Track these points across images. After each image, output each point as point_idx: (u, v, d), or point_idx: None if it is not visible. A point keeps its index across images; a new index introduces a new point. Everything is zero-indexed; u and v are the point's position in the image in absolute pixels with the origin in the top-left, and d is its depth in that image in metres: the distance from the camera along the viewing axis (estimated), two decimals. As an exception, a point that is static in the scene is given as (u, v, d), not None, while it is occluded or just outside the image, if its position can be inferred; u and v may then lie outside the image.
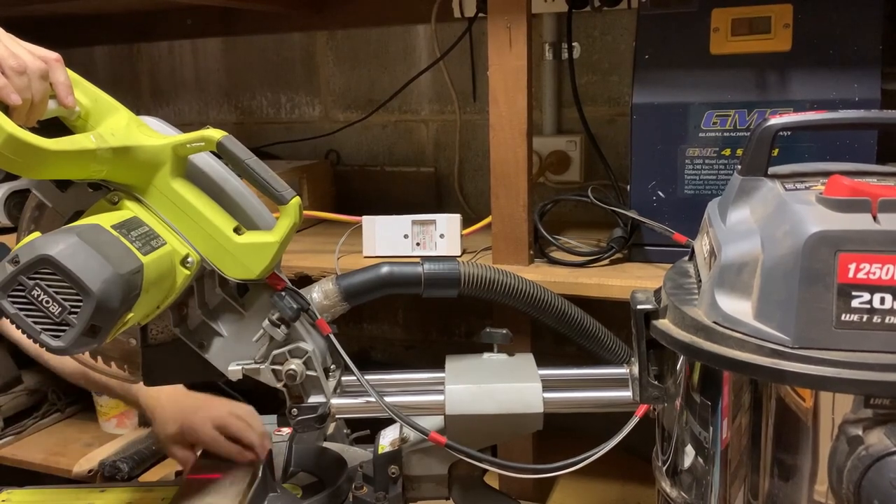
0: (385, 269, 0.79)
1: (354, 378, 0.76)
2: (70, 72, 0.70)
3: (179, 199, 0.71)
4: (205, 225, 0.71)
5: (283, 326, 0.73)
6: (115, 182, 0.71)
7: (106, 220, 0.67)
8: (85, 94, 0.71)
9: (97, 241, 0.63)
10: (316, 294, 0.79)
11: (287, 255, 1.18)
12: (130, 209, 0.70)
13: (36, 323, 0.61)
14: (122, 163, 0.69)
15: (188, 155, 0.72)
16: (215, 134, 0.70)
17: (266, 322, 0.73)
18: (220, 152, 0.71)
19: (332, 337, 0.75)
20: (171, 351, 0.79)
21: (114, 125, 0.70)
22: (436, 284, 0.79)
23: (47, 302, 0.60)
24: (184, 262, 0.71)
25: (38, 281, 0.60)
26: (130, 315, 0.64)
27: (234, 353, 0.76)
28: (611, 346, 0.86)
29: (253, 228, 0.73)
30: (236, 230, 0.72)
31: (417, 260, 0.80)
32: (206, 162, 0.74)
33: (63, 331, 0.61)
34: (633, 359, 0.69)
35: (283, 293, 0.73)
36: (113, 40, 1.76)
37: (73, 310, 0.60)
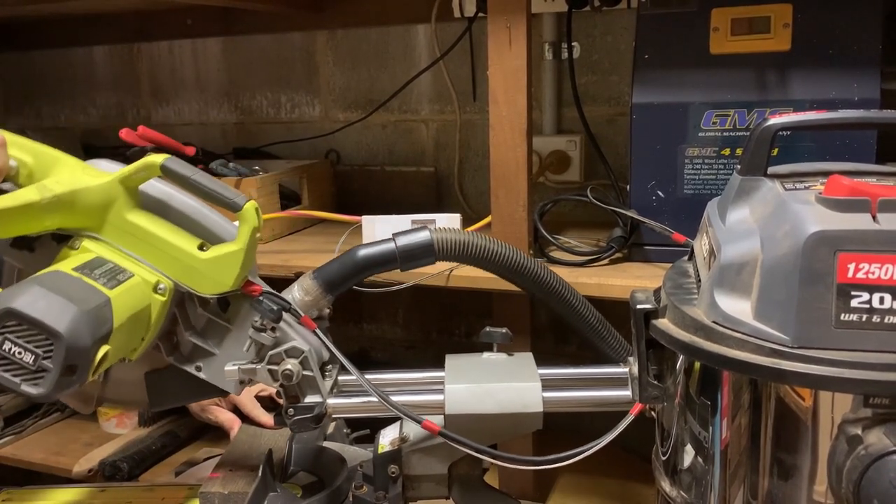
0: (360, 253, 0.79)
1: (351, 378, 0.76)
2: (6, 133, 0.71)
3: (138, 229, 0.72)
4: (168, 249, 0.71)
5: (268, 331, 0.73)
6: (73, 228, 0.71)
7: (67, 264, 0.68)
8: (24, 150, 0.71)
9: (58, 285, 0.64)
10: (297, 292, 0.79)
11: (287, 254, 1.18)
12: (92, 250, 0.71)
13: (14, 375, 0.61)
14: (73, 208, 0.70)
15: (138, 185, 0.72)
16: (157, 159, 0.71)
17: (251, 330, 0.74)
18: (166, 175, 0.71)
19: (318, 332, 0.75)
20: (170, 374, 0.79)
21: (59, 174, 0.71)
22: (412, 257, 0.78)
23: (20, 353, 0.61)
24: (156, 289, 0.71)
25: (6, 335, 0.61)
26: (107, 348, 0.64)
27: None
28: (588, 318, 0.84)
29: (220, 242, 0.73)
30: (201, 247, 0.72)
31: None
32: (157, 188, 0.74)
33: (42, 377, 0.61)
34: (632, 358, 0.69)
35: (262, 298, 0.73)
36: (113, 40, 1.76)
37: (46, 355, 0.61)
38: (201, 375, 0.77)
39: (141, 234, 0.71)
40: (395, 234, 0.78)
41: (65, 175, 0.71)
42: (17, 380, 0.61)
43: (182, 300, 0.75)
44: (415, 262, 0.79)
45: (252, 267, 0.75)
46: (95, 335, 0.63)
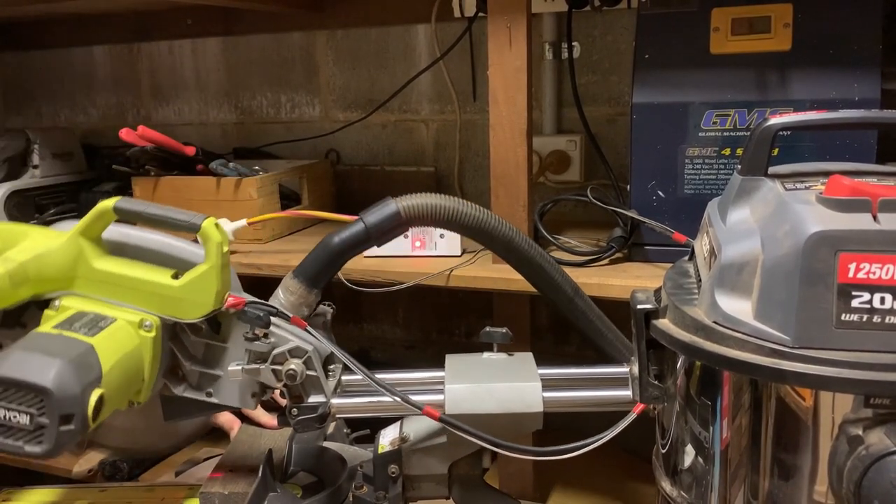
0: (333, 240, 0.78)
1: (355, 377, 0.76)
2: None
3: (109, 276, 0.72)
4: (143, 286, 0.72)
5: (261, 338, 0.73)
6: (48, 292, 0.72)
7: (47, 325, 0.69)
8: None
9: (39, 344, 0.65)
10: (282, 294, 0.79)
11: (287, 254, 1.18)
12: (72, 307, 0.72)
13: (16, 439, 0.62)
14: (41, 271, 0.71)
15: (99, 233, 0.73)
16: (108, 203, 0.72)
17: (245, 342, 0.74)
18: (120, 216, 0.72)
19: (309, 329, 0.75)
20: None
21: (21, 245, 0.72)
22: (383, 231, 0.78)
23: (15, 417, 0.62)
24: (141, 326, 0.72)
25: None
26: (100, 391, 0.65)
27: (237, 385, 0.77)
28: (563, 287, 0.83)
29: (192, 267, 0.74)
30: (175, 276, 0.73)
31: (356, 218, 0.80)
32: (118, 231, 0.75)
33: (42, 434, 0.62)
34: (633, 358, 0.69)
35: (246, 308, 0.73)
36: (113, 40, 1.76)
37: (40, 412, 0.62)
38: (213, 400, 0.78)
39: (113, 280, 0.72)
40: (362, 214, 0.79)
41: (27, 244, 0.72)
42: (19, 443, 0.62)
43: (175, 333, 0.76)
44: (388, 236, 0.79)
45: (231, 282, 0.75)
46: (84, 381, 0.64)
